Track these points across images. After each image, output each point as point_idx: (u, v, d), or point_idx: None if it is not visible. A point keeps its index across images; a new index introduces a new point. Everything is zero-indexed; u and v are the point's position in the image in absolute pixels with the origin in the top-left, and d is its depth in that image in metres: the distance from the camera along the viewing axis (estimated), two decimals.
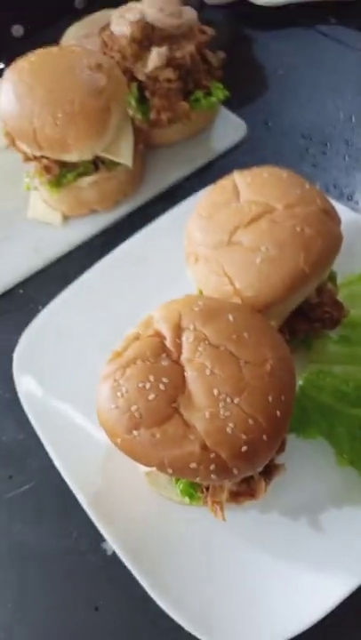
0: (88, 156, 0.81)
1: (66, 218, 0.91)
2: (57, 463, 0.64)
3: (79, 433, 0.66)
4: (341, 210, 0.74)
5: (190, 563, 0.57)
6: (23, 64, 0.80)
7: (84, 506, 0.61)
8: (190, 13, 0.87)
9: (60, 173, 0.84)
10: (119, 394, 0.50)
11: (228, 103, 0.94)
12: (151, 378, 0.49)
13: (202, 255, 0.59)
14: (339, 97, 0.97)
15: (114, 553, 0.59)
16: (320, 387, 0.61)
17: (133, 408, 0.48)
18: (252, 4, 1.13)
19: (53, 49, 0.81)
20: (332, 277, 0.66)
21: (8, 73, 0.80)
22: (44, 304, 0.82)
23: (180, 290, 0.70)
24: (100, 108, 0.76)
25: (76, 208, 0.89)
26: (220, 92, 0.90)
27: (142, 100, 0.91)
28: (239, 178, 0.62)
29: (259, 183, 0.59)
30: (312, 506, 0.58)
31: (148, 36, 0.85)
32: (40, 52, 0.81)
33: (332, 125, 0.92)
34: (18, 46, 1.17)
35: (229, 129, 0.95)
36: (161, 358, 0.51)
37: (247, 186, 0.60)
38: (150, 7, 0.88)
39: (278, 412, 0.47)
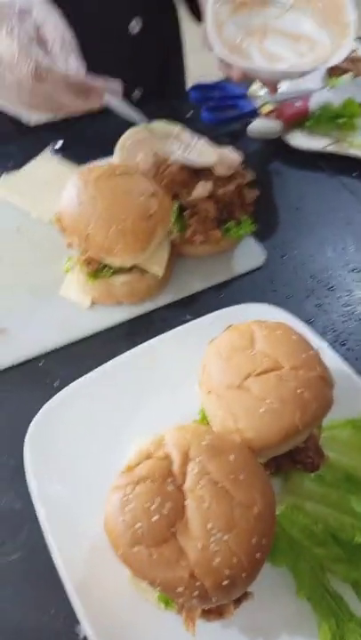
0: (128, 265, 0.93)
1: (94, 303, 1.01)
2: (50, 543, 0.71)
3: (76, 518, 0.73)
4: (332, 357, 0.87)
5: None
6: (90, 175, 0.93)
7: (68, 588, 0.67)
8: (236, 160, 1.02)
9: (98, 268, 0.96)
10: (127, 508, 0.58)
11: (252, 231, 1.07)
12: (157, 500, 0.58)
13: (215, 391, 0.69)
14: (349, 247, 1.11)
15: (85, 638, 0.66)
16: (293, 521, 0.70)
17: (137, 525, 0.57)
18: (287, 143, 1.30)
19: (118, 168, 0.95)
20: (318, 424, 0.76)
21: (75, 179, 0.93)
22: (62, 379, 0.91)
23: (182, 398, 0.83)
24: (148, 230, 0.89)
25: (105, 297, 1.00)
26: (248, 226, 1.04)
27: (180, 217, 1.04)
28: (257, 328, 0.73)
29: (272, 339, 0.71)
30: (268, 628, 0.66)
31: (196, 172, 0.99)
32: (106, 168, 0.94)
33: (338, 273, 1.06)
34: (77, 125, 1.32)
35: (250, 255, 1.09)
36: (167, 482, 0.60)
37: (263, 338, 0.71)
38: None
39: (258, 554, 0.56)
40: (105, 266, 0.96)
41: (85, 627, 0.64)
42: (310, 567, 0.67)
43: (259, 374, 0.68)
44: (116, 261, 0.92)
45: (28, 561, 0.73)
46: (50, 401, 0.83)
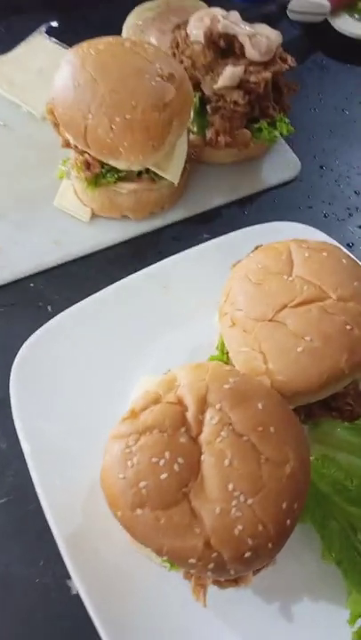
0: (136, 168, 0.76)
1: (94, 216, 0.86)
2: (38, 488, 0.62)
3: (67, 461, 0.63)
4: None
5: (153, 624, 0.57)
6: (90, 50, 0.73)
7: (58, 540, 0.59)
8: (276, 38, 0.81)
9: (100, 173, 0.79)
10: (130, 463, 0.47)
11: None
12: (167, 455, 0.47)
13: (240, 322, 0.56)
14: None
15: (78, 594, 0.58)
16: (322, 474, 0.60)
17: (142, 484, 0.46)
18: (334, 30, 1.07)
19: (126, 42, 0.75)
20: None
21: (71, 55, 0.74)
22: (53, 304, 0.79)
23: (197, 330, 0.71)
24: (162, 123, 0.71)
25: (107, 210, 0.85)
26: (284, 127, 0.85)
27: (202, 113, 0.85)
28: (296, 247, 0.59)
29: (316, 262, 0.57)
30: (285, 593, 0.58)
31: (224, 53, 0.79)
32: (110, 41, 0.74)
33: None
34: (76, 5, 1.09)
35: (282, 164, 0.91)
36: (179, 433, 0.49)
37: (303, 260, 0.57)
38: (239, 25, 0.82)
39: (288, 521, 0.46)
40: (108, 170, 0.79)
41: (77, 583, 0.56)
42: (341, 527, 0.58)
43: (297, 305, 0.55)
44: (121, 164, 0.75)
45: (14, 506, 0.65)
46: (41, 328, 0.71)
